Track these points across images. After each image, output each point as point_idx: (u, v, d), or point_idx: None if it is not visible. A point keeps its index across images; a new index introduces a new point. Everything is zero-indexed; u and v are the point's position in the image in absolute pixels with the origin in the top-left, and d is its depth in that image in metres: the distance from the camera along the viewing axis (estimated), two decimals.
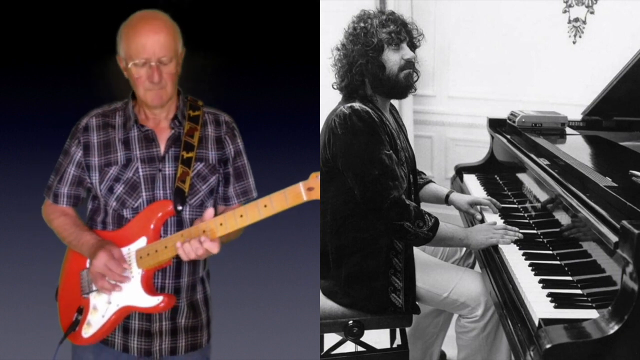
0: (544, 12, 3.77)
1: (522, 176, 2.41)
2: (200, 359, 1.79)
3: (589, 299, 1.64)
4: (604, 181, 1.74)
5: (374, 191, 1.96)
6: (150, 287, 1.64)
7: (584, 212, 1.66)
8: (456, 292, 2.13)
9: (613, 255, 1.50)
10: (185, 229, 1.57)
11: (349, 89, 2.12)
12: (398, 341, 2.38)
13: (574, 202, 1.74)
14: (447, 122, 4.31)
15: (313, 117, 2.45)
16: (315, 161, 2.10)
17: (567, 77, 3.73)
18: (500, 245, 2.04)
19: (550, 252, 1.98)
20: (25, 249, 2.76)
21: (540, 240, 2.09)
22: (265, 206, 1.47)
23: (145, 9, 1.63)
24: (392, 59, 2.08)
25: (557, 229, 1.94)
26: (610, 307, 1.44)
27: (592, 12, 3.65)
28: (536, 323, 1.55)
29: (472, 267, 2.47)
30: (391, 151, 2.01)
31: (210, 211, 1.56)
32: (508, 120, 2.79)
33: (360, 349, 2.20)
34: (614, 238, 1.47)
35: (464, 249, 2.44)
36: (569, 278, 1.78)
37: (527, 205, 2.31)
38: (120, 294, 1.63)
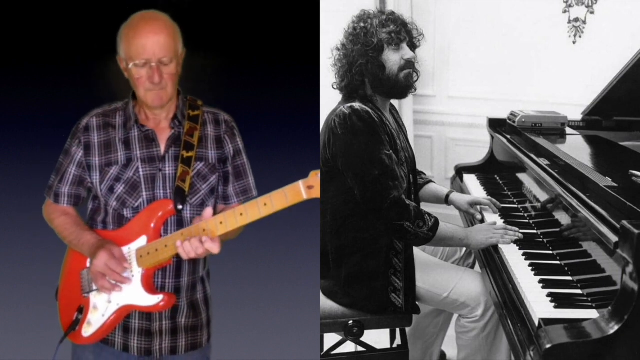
0: (544, 12, 3.77)
1: (522, 176, 2.41)
2: (200, 358, 1.79)
3: (589, 299, 1.64)
4: (604, 181, 1.74)
5: (374, 191, 1.96)
6: (151, 286, 1.64)
7: (584, 212, 1.66)
8: (456, 292, 2.13)
9: (613, 255, 1.50)
10: (186, 228, 1.57)
11: (349, 89, 2.12)
12: (398, 341, 2.38)
13: (574, 202, 1.74)
14: (447, 122, 4.31)
15: (313, 117, 2.45)
16: (315, 161, 2.10)
17: (567, 77, 3.73)
18: (500, 245, 2.04)
19: (550, 252, 1.98)
20: (25, 249, 2.76)
21: (540, 240, 2.09)
22: (265, 205, 1.47)
23: (145, 9, 1.63)
24: (392, 59, 2.08)
25: (557, 229, 1.94)
26: (610, 307, 1.44)
27: (592, 12, 3.65)
28: (536, 323, 1.55)
29: (472, 267, 2.47)
30: (391, 151, 2.01)
31: (209, 210, 1.56)
32: (508, 120, 2.79)
33: (360, 349, 2.20)
34: (614, 238, 1.47)
35: (464, 249, 2.44)
36: (569, 278, 1.78)
37: (527, 205, 2.32)
38: (121, 293, 1.64)
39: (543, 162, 2.13)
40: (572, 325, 1.46)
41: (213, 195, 1.72)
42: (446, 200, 2.48)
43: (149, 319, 1.69)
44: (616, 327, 1.39)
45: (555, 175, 1.97)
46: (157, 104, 1.62)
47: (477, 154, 3.07)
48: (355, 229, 2.08)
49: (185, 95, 1.73)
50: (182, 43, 1.64)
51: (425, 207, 2.19)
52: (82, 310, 1.69)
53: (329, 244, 2.14)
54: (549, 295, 1.67)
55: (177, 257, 1.60)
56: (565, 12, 3.72)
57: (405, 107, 4.03)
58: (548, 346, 1.39)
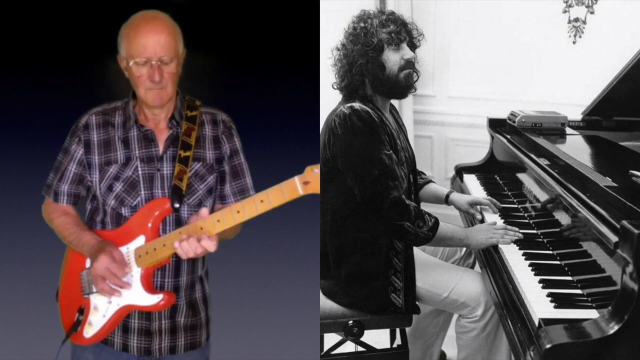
0: (544, 12, 3.77)
1: (522, 176, 2.41)
2: (199, 358, 1.79)
3: (589, 299, 1.64)
4: (604, 181, 1.74)
5: (374, 191, 1.96)
6: (150, 285, 1.64)
7: (584, 212, 1.66)
8: (456, 292, 2.13)
9: (613, 255, 1.50)
10: (183, 227, 1.57)
11: (349, 89, 2.12)
12: (398, 341, 2.38)
13: (574, 202, 1.74)
14: (447, 122, 4.31)
15: (313, 117, 2.45)
16: (315, 161, 2.10)
17: (567, 77, 3.73)
18: (500, 245, 2.04)
19: (550, 252, 1.98)
20: (25, 249, 2.77)
21: (540, 240, 2.09)
22: (262, 201, 1.47)
23: (145, 9, 1.63)
24: (392, 59, 2.08)
25: (557, 229, 1.94)
26: (610, 307, 1.44)
27: (592, 12, 3.65)
28: (536, 323, 1.55)
29: (472, 267, 2.47)
30: (391, 151, 2.01)
31: (205, 209, 1.56)
32: (508, 120, 2.79)
33: (360, 349, 2.20)
34: (614, 238, 1.47)
35: (464, 249, 2.44)
36: (569, 278, 1.78)
37: (527, 205, 2.32)
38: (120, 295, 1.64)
39: (543, 162, 2.13)
40: (572, 325, 1.46)
41: (211, 196, 1.72)
42: (446, 200, 2.48)
43: (148, 319, 1.69)
44: (616, 327, 1.39)
45: (555, 175, 1.97)
46: (157, 103, 1.62)
47: (477, 154, 3.07)
48: (355, 229, 2.08)
49: (184, 95, 1.73)
50: (183, 43, 1.64)
51: (425, 207, 2.19)
52: (83, 311, 1.69)
53: (329, 244, 2.14)
54: (549, 295, 1.67)
55: (176, 256, 1.60)
56: (565, 12, 3.72)
57: (405, 107, 4.03)
58: (548, 346, 1.39)
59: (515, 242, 2.05)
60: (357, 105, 2.01)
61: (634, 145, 2.34)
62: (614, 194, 1.62)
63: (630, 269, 1.40)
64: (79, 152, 1.67)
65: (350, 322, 2.11)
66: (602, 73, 2.77)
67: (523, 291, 1.72)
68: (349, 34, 2.11)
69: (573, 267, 1.81)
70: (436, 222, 2.00)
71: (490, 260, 2.05)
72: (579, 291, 1.70)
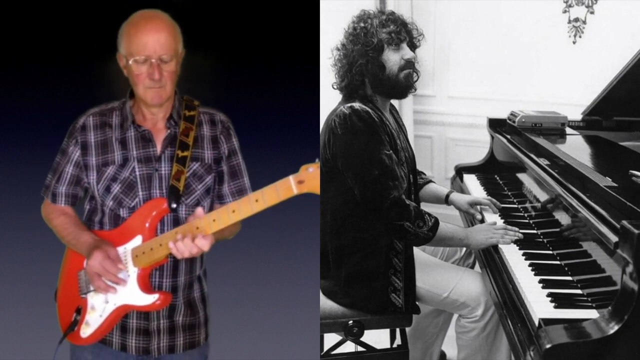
0: (544, 12, 3.77)
1: (522, 176, 2.41)
2: (198, 357, 1.79)
3: (589, 299, 1.64)
4: (604, 181, 1.74)
5: (374, 191, 1.96)
6: (147, 285, 1.64)
7: (584, 212, 1.66)
8: (456, 292, 2.13)
9: (613, 255, 1.50)
10: (180, 226, 1.58)
11: (349, 89, 2.12)
12: (398, 341, 2.38)
13: (574, 202, 1.74)
14: (447, 122, 4.31)
15: (313, 117, 2.45)
16: (313, 160, 2.10)
17: (567, 77, 3.73)
18: (500, 245, 2.04)
19: (550, 252, 1.98)
20: (25, 249, 2.76)
21: (540, 240, 2.09)
22: (256, 201, 1.47)
23: (146, 8, 1.63)
24: (392, 59, 2.08)
25: (557, 229, 1.94)
26: (610, 307, 1.44)
27: (592, 12, 3.65)
28: (536, 323, 1.55)
29: (472, 267, 2.47)
30: (391, 151, 2.01)
31: (200, 209, 1.56)
32: (508, 120, 2.79)
33: (360, 349, 2.20)
34: (614, 238, 1.47)
35: (464, 249, 2.44)
36: (569, 278, 1.78)
37: (527, 205, 2.31)
38: (117, 293, 1.64)
39: (543, 162, 2.13)
40: (572, 325, 1.46)
41: (209, 196, 1.72)
42: (446, 200, 2.48)
43: (146, 318, 1.69)
44: (616, 327, 1.39)
45: (555, 175, 1.97)
46: (156, 102, 1.62)
47: (477, 154, 3.07)
48: (355, 229, 2.08)
49: (182, 95, 1.73)
50: (182, 43, 1.64)
51: (425, 207, 2.19)
52: (80, 310, 1.69)
53: (329, 244, 2.14)
54: (549, 295, 1.67)
55: (173, 256, 1.60)
56: (565, 12, 3.72)
57: (405, 107, 4.03)
58: (548, 346, 1.39)
59: (515, 242, 2.05)
60: (357, 105, 2.01)
61: (634, 145, 2.34)
62: (614, 194, 1.62)
63: (630, 269, 1.40)
64: (75, 153, 1.68)
65: (350, 322, 2.11)
66: (602, 73, 2.77)
67: (523, 291, 1.72)
68: (349, 34, 2.12)
69: (573, 267, 1.81)
70: (436, 222, 2.00)
71: (490, 260, 2.05)
72: (579, 291, 1.70)
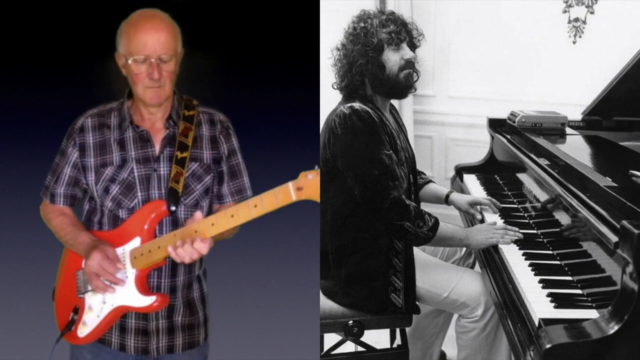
0: (544, 12, 3.77)
1: (522, 176, 2.41)
2: (197, 357, 1.79)
3: (589, 299, 1.64)
4: (604, 181, 1.74)
5: (374, 191, 1.96)
6: (145, 286, 1.64)
7: (584, 212, 1.66)
8: (456, 292, 2.13)
9: (613, 255, 1.50)
10: (178, 229, 1.57)
11: (349, 89, 2.12)
12: (398, 341, 2.38)
13: (574, 202, 1.74)
14: (447, 122, 4.31)
15: (313, 117, 2.45)
16: (315, 161, 2.10)
17: (567, 77, 3.73)
18: (500, 245, 2.04)
19: (550, 252, 1.98)
20: (25, 249, 2.77)
21: (540, 240, 2.09)
22: (255, 206, 1.48)
23: (146, 8, 1.63)
24: (392, 59, 2.08)
25: (557, 229, 1.94)
26: (610, 307, 1.44)
27: (592, 12, 3.65)
28: (536, 323, 1.55)
29: (472, 267, 2.47)
30: (391, 151, 2.01)
31: (199, 213, 1.56)
32: (508, 120, 2.79)
33: (360, 349, 2.20)
34: (614, 238, 1.47)
35: (464, 249, 2.44)
36: (569, 278, 1.78)
37: (527, 205, 2.31)
38: (115, 294, 1.64)
39: (543, 162, 2.13)
40: (572, 325, 1.46)
41: (208, 196, 1.72)
42: (446, 200, 2.47)
43: (145, 319, 1.69)
44: (616, 327, 1.39)
45: (555, 175, 1.97)
46: (155, 101, 1.62)
47: (477, 154, 3.07)
48: (355, 229, 2.08)
49: (181, 95, 1.72)
50: (182, 43, 1.64)
51: (425, 207, 2.19)
52: (78, 310, 1.69)
53: (329, 244, 2.14)
54: (549, 295, 1.67)
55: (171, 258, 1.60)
56: (565, 12, 3.72)
57: (405, 107, 4.02)
58: (548, 346, 1.39)
59: (515, 242, 2.05)
60: (357, 105, 2.01)
61: (634, 145, 2.34)
62: (614, 194, 1.62)
63: (630, 269, 1.40)
64: (74, 155, 1.68)
65: (350, 322, 2.11)
66: (602, 73, 2.77)
67: (523, 291, 1.72)
68: (349, 34, 2.11)
69: (573, 267, 1.81)
70: (436, 222, 2.00)
71: (490, 260, 2.05)
72: (579, 291, 1.70)
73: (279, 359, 2.48)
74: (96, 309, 1.67)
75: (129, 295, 1.63)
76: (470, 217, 2.44)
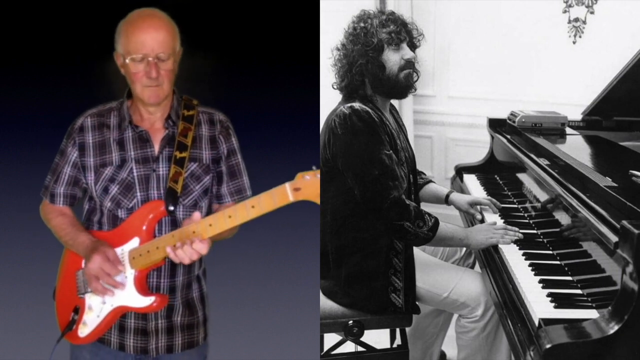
0: (544, 12, 3.77)
1: (522, 176, 2.41)
2: (197, 357, 1.79)
3: (589, 299, 1.64)
4: (604, 181, 1.74)
5: (374, 191, 1.96)
6: (143, 287, 1.64)
7: (584, 212, 1.66)
8: (456, 292, 2.13)
9: (613, 255, 1.50)
10: (176, 230, 1.57)
11: (349, 89, 2.12)
12: (398, 341, 2.38)
13: (574, 202, 1.74)
14: (447, 122, 4.31)
15: (313, 117, 2.45)
16: (315, 161, 2.10)
17: (567, 77, 3.73)
18: (500, 245, 2.04)
19: (550, 252, 1.98)
20: (25, 249, 2.77)
21: (540, 240, 2.09)
22: (253, 207, 1.48)
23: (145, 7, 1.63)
24: (392, 59, 2.08)
25: (557, 229, 1.94)
26: (610, 307, 1.44)
27: (592, 12, 3.65)
28: (536, 323, 1.55)
29: (472, 267, 2.47)
30: (391, 151, 2.01)
31: (197, 214, 1.56)
32: (508, 120, 2.79)
33: (360, 349, 2.20)
34: (614, 238, 1.47)
35: (464, 249, 2.44)
36: (569, 278, 1.78)
37: (527, 205, 2.31)
38: (114, 294, 1.64)
39: (543, 162, 2.13)
40: (572, 325, 1.46)
41: (207, 196, 1.71)
42: (446, 200, 2.47)
43: (144, 318, 1.69)
44: (616, 327, 1.39)
45: (555, 175, 1.97)
46: (154, 100, 1.61)
47: (477, 154, 3.07)
48: (355, 229, 2.08)
49: (180, 94, 1.72)
50: (180, 42, 1.64)
51: (425, 207, 2.19)
52: (78, 310, 1.69)
53: (329, 244, 2.14)
54: (549, 295, 1.67)
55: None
56: (565, 12, 3.72)
57: (405, 107, 4.02)
58: (548, 346, 1.39)
59: (515, 242, 2.05)
60: (357, 105, 2.01)
61: (634, 145, 2.34)
62: (614, 194, 1.62)
63: (630, 269, 1.40)
64: (73, 154, 1.67)
65: (350, 322, 2.11)
66: (602, 73, 2.77)
67: (523, 291, 1.72)
68: (349, 34, 2.11)
69: (573, 267, 1.81)
70: (436, 222, 2.00)
71: (490, 260, 2.05)
72: (579, 291, 1.70)
73: (279, 359, 2.48)
74: (96, 309, 1.67)
75: (128, 295, 1.63)
76: (470, 217, 2.44)
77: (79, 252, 1.66)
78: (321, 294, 2.19)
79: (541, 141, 2.39)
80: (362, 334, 2.12)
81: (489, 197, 2.43)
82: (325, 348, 2.26)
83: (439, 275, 2.17)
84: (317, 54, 2.42)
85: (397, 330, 2.43)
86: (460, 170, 2.97)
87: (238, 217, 1.50)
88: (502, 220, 2.28)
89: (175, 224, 1.65)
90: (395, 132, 2.10)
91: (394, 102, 2.44)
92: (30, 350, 2.27)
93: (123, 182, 1.64)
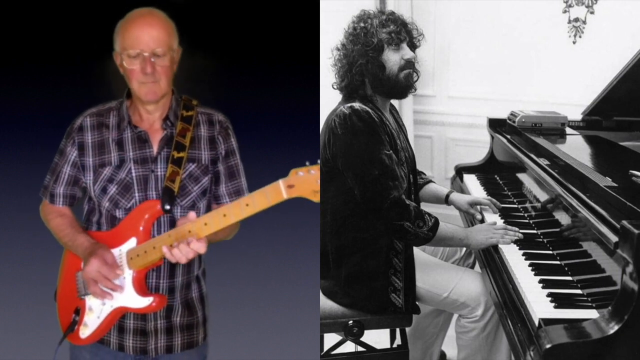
0: (544, 12, 3.77)
1: (522, 176, 2.41)
2: (196, 357, 1.78)
3: (589, 299, 1.64)
4: (604, 181, 1.74)
5: (374, 191, 1.96)
6: (142, 287, 1.64)
7: (584, 212, 1.66)
8: (456, 292, 2.13)
9: (613, 255, 1.50)
10: (172, 230, 1.57)
11: (349, 89, 2.12)
12: (398, 341, 2.38)
13: (574, 202, 1.74)
14: (447, 122, 4.31)
15: (313, 117, 2.45)
16: (315, 162, 2.10)
17: (567, 77, 3.73)
18: (500, 245, 2.04)
19: (550, 252, 1.98)
20: (25, 249, 2.76)
21: (540, 240, 2.09)
22: (247, 205, 1.47)
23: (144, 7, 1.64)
24: (392, 59, 2.08)
25: (557, 229, 1.94)
26: (610, 307, 1.44)
27: (592, 12, 3.65)
28: (536, 323, 1.55)
29: (472, 267, 2.47)
30: (391, 151, 2.01)
31: (192, 213, 1.56)
32: (508, 120, 2.79)
33: (360, 349, 2.20)
34: (614, 238, 1.47)
35: (464, 249, 2.44)
36: (569, 278, 1.78)
37: (527, 205, 2.31)
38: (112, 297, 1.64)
39: (543, 162, 2.13)
40: (572, 325, 1.46)
41: (205, 197, 1.71)
42: (446, 200, 2.48)
43: (143, 319, 1.69)
44: (616, 327, 1.39)
45: (555, 175, 1.97)
46: (151, 97, 1.61)
47: (477, 154, 3.07)
48: (355, 229, 2.08)
49: (180, 94, 1.72)
50: (178, 41, 1.64)
51: (425, 207, 2.19)
52: (79, 311, 1.69)
53: (329, 244, 2.14)
54: (549, 295, 1.67)
55: None
56: (565, 12, 3.72)
57: (405, 107, 4.03)
58: (548, 346, 1.39)
59: (515, 242, 2.05)
60: (357, 105, 2.01)
61: (634, 145, 2.34)
62: (614, 194, 1.62)
63: (630, 269, 1.40)
64: (73, 154, 1.67)
65: (350, 322, 2.11)
66: (602, 73, 2.77)
67: (523, 291, 1.72)
68: (349, 34, 2.12)
69: (573, 267, 1.81)
70: (436, 222, 2.00)
71: (490, 260, 2.05)
72: (579, 291, 1.70)
73: (279, 359, 2.47)
74: (96, 310, 1.67)
75: (127, 296, 1.63)
76: (470, 217, 2.44)
77: (78, 253, 1.66)
78: (321, 294, 2.19)
79: (541, 141, 2.39)
80: (362, 334, 2.12)
81: (489, 197, 2.43)
82: (325, 348, 2.26)
83: (439, 275, 2.17)
84: (317, 54, 2.42)
85: (397, 330, 2.43)
86: (460, 170, 2.97)
87: (232, 216, 1.49)
88: (502, 220, 2.28)
89: (173, 224, 1.64)
90: (395, 132, 2.10)
91: (394, 102, 2.44)
92: (30, 350, 2.27)
93: (121, 183, 1.64)
